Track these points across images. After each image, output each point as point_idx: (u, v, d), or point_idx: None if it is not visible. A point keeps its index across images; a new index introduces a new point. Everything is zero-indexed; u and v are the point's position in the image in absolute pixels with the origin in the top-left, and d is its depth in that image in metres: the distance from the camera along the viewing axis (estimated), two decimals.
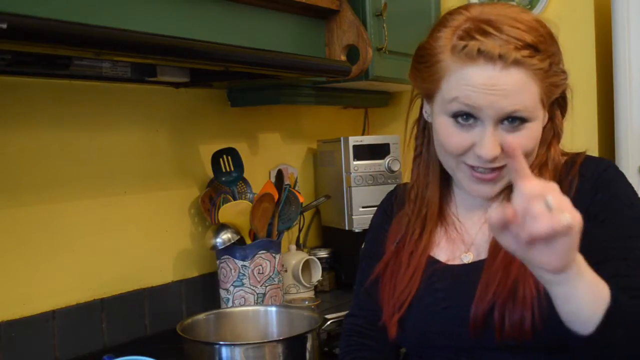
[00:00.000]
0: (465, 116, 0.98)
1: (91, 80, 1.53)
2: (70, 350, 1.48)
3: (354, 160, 2.04)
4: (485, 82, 0.95)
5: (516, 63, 0.94)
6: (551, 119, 1.05)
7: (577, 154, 1.07)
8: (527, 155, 0.98)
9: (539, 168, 1.03)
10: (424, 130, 1.12)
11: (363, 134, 2.46)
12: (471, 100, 0.96)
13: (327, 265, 2.09)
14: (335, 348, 1.45)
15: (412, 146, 1.16)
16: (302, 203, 1.82)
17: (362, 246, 1.24)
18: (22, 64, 1.23)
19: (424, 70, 1.02)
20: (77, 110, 1.53)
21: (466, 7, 1.00)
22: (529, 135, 0.98)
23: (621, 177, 1.03)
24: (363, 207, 2.05)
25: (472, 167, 1.00)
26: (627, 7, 1.90)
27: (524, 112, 0.96)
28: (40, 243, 1.45)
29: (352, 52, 1.68)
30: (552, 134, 1.06)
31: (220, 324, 1.44)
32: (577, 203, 0.85)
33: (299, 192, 1.84)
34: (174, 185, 1.76)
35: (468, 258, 1.06)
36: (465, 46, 0.95)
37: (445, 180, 1.12)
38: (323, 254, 2.10)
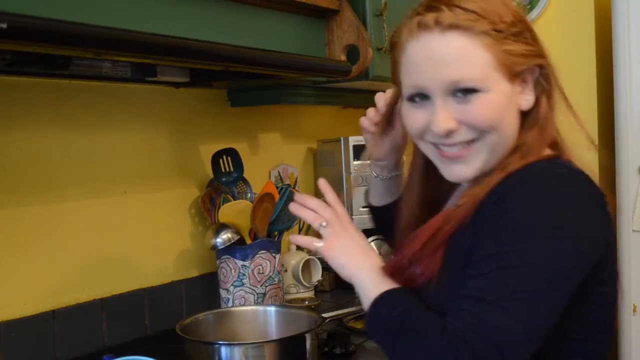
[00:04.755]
0: (419, 96, 0.95)
1: (91, 80, 1.53)
2: (70, 350, 1.48)
3: (354, 160, 2.04)
4: (424, 52, 0.93)
5: (453, 27, 0.90)
6: (536, 102, 0.98)
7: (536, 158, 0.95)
8: (487, 129, 0.93)
9: (513, 152, 0.95)
10: None
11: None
12: (414, 77, 0.94)
13: (327, 265, 2.09)
14: (335, 348, 1.45)
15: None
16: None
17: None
18: (22, 64, 1.23)
19: (391, 60, 1.02)
20: (77, 110, 1.53)
21: None
22: (483, 106, 0.92)
23: (521, 208, 0.87)
24: (363, 207, 2.05)
25: (437, 146, 0.97)
26: (627, 7, 1.90)
27: (469, 82, 0.91)
28: (40, 243, 1.45)
29: (352, 52, 1.68)
30: (534, 118, 0.97)
31: (219, 323, 1.44)
32: (479, 213, 0.88)
33: (299, 192, 1.84)
34: (174, 185, 1.76)
35: None
36: (409, 23, 0.95)
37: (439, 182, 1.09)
38: None
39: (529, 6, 2.16)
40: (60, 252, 1.49)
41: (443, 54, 0.91)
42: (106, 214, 1.59)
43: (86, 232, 1.54)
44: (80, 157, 1.53)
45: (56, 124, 1.49)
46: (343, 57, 1.68)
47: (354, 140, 2.05)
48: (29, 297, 1.42)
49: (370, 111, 1.24)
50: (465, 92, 0.92)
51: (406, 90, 0.97)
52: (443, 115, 0.93)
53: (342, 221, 1.05)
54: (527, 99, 0.97)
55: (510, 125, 0.95)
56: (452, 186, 1.08)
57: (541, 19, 2.14)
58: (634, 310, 1.86)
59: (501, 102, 0.93)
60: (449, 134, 0.93)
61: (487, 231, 0.87)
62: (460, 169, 0.97)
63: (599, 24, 2.09)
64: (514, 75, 0.94)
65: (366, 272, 0.99)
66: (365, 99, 2.27)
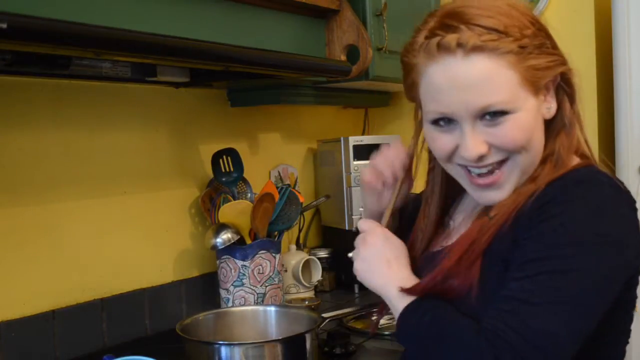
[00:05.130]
0: (445, 120, 0.92)
1: (91, 80, 1.53)
2: (70, 350, 1.48)
3: (354, 160, 2.04)
4: (447, 77, 0.88)
5: (477, 49, 0.86)
6: (559, 108, 0.95)
7: (581, 163, 0.94)
8: (521, 149, 0.91)
9: (542, 162, 0.94)
10: None
11: (363, 134, 2.46)
12: (440, 103, 0.91)
13: (327, 265, 2.09)
14: (335, 348, 1.45)
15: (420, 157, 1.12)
16: (302, 203, 1.82)
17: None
18: (22, 64, 1.23)
19: (405, 79, 0.99)
20: (77, 110, 1.53)
21: (444, 5, 0.95)
22: (513, 127, 0.89)
23: (567, 213, 0.86)
24: (363, 207, 2.05)
25: (468, 170, 0.94)
26: (627, 7, 1.90)
27: (499, 105, 0.88)
28: (40, 243, 1.45)
29: (352, 52, 1.68)
30: (560, 125, 0.95)
31: (219, 323, 1.44)
32: (518, 221, 0.88)
33: (299, 192, 1.84)
34: (174, 185, 1.76)
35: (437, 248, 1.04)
36: (427, 44, 0.90)
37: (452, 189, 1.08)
38: (323, 254, 2.10)
39: (529, 6, 2.16)
40: (60, 252, 1.49)
41: (469, 79, 0.87)
42: (106, 214, 1.59)
43: (86, 232, 1.54)
44: (80, 157, 1.53)
45: (56, 124, 1.49)
46: (343, 57, 1.68)
47: (354, 140, 2.05)
48: (29, 297, 1.42)
49: (380, 165, 1.13)
50: (494, 114, 0.89)
51: (430, 115, 0.94)
52: (473, 141, 0.90)
53: (365, 236, 1.03)
54: (549, 108, 0.94)
55: (539, 139, 0.93)
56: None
57: (541, 19, 2.14)
58: (634, 311, 1.86)
59: (529, 119, 0.90)
60: (480, 158, 0.91)
61: (532, 234, 0.86)
62: (494, 195, 0.94)
63: (599, 24, 2.09)
64: (539, 89, 0.91)
65: (392, 286, 0.96)
66: (365, 99, 2.27)
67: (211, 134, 1.86)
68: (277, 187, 1.76)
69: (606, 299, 0.86)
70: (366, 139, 2.09)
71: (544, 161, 0.94)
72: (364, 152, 2.05)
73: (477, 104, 0.88)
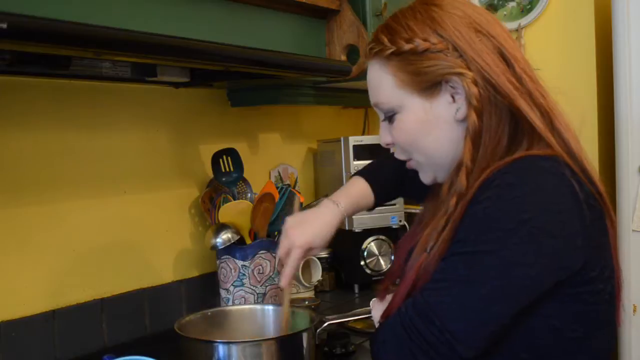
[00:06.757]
0: None
1: (91, 80, 1.53)
2: (70, 350, 1.48)
3: (354, 160, 2.04)
4: None
5: (368, 55, 1.02)
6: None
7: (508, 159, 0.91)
8: (410, 149, 1.02)
9: (456, 169, 0.96)
10: None
11: (363, 134, 2.46)
12: None
13: (327, 265, 2.09)
14: (335, 348, 1.45)
15: None
16: (302, 203, 1.82)
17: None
18: (22, 64, 1.23)
19: None
20: (77, 110, 1.53)
21: None
22: (397, 127, 1.02)
23: (496, 196, 0.87)
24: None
25: None
26: (627, 7, 1.90)
27: (381, 105, 1.02)
28: (40, 243, 1.45)
29: (352, 52, 1.68)
30: (467, 133, 0.96)
31: (217, 322, 1.44)
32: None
33: (299, 192, 1.84)
34: (174, 185, 1.76)
35: None
36: None
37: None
38: (323, 254, 2.10)
39: (529, 6, 2.16)
40: (60, 252, 1.49)
41: (369, 82, 1.04)
42: (106, 214, 1.59)
43: (86, 232, 1.54)
44: (80, 156, 1.53)
45: (56, 123, 1.49)
46: (343, 57, 1.68)
47: (354, 140, 2.05)
48: (29, 297, 1.42)
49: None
50: (387, 113, 1.02)
51: None
52: (381, 131, 1.06)
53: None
54: (458, 109, 0.97)
55: (437, 140, 0.99)
56: None
57: (541, 19, 2.15)
58: (634, 310, 1.86)
59: (414, 119, 0.99)
60: (389, 146, 1.06)
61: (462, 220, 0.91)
62: (421, 176, 1.07)
63: (599, 24, 2.09)
64: (424, 89, 0.97)
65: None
66: (365, 99, 2.25)
67: (211, 134, 1.86)
68: (277, 187, 1.76)
69: (518, 285, 0.85)
70: (366, 139, 2.09)
71: (457, 168, 0.96)
72: (364, 152, 2.06)
73: (372, 101, 1.05)
